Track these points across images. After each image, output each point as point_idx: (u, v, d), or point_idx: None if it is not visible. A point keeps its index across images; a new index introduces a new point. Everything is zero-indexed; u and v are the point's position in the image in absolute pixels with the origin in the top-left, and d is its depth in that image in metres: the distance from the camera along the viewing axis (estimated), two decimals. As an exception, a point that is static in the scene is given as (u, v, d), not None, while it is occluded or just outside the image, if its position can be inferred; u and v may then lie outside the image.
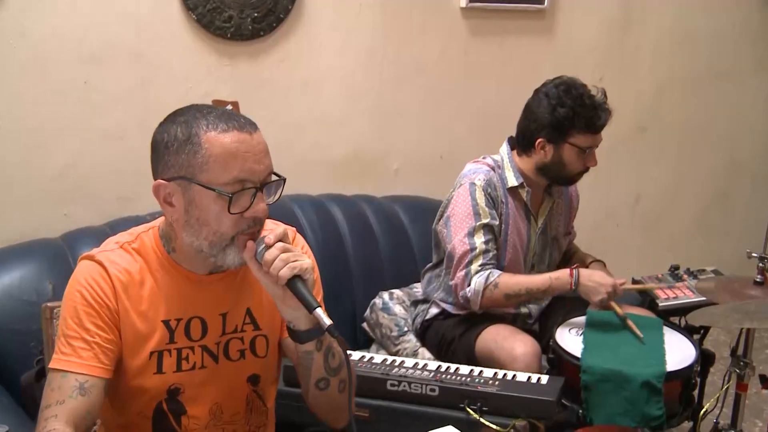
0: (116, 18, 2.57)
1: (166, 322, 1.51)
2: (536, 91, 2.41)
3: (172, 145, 1.41)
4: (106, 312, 1.47)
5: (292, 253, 1.42)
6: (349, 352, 2.19)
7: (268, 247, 1.41)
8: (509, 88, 3.27)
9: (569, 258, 2.67)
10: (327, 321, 1.37)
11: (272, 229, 1.45)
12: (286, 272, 1.40)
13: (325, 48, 2.98)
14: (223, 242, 1.43)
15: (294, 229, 1.68)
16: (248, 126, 1.41)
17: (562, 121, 2.32)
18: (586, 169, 2.43)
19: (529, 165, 2.44)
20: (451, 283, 2.40)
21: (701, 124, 3.88)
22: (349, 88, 3.07)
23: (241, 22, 2.73)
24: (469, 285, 2.34)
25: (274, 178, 1.45)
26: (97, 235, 2.47)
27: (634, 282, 2.72)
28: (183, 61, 2.71)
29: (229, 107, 2.60)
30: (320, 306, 1.39)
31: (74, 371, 1.43)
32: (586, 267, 2.56)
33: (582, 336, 2.27)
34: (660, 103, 3.76)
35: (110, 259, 1.50)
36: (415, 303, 2.67)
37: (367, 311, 2.77)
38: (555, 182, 2.47)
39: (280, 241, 1.43)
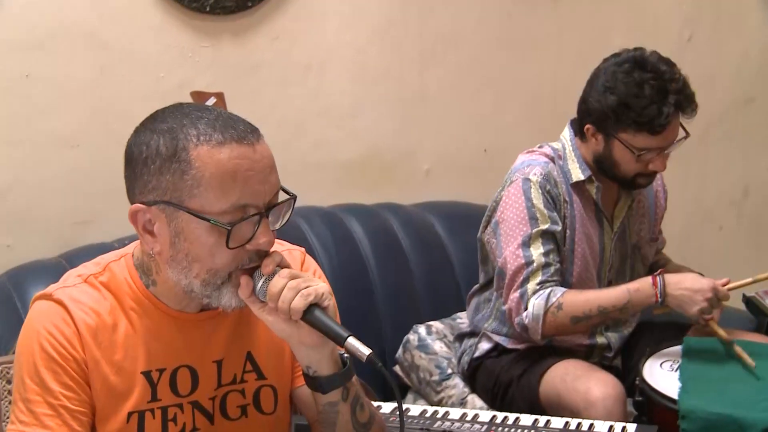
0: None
1: (146, 374, 1.53)
2: (604, 61, 2.42)
3: (154, 162, 1.42)
4: (73, 366, 1.49)
5: (302, 279, 1.45)
6: (379, 404, 2.24)
7: (269, 277, 1.44)
8: (569, 61, 3.28)
9: (657, 270, 2.67)
10: (365, 350, 1.40)
11: (270, 254, 1.48)
12: (299, 303, 1.42)
13: (330, 20, 3.02)
14: (219, 280, 1.46)
15: (302, 249, 1.72)
16: (250, 135, 1.43)
17: (608, 112, 2.33)
18: (653, 173, 2.42)
19: (587, 153, 2.46)
20: (504, 307, 2.42)
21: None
22: (361, 70, 3.11)
23: (222, -8, 2.79)
24: (526, 309, 2.35)
25: (282, 196, 1.48)
26: (51, 270, 2.51)
27: (746, 300, 2.72)
28: (151, 43, 2.76)
29: (212, 100, 2.67)
30: (352, 334, 1.42)
31: None
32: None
33: (678, 371, 2.27)
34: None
35: (73, 298, 1.51)
36: (461, 337, 2.69)
37: (400, 351, 2.79)
38: (614, 181, 2.46)
39: (279, 266, 1.46)
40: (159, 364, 1.54)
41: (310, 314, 1.44)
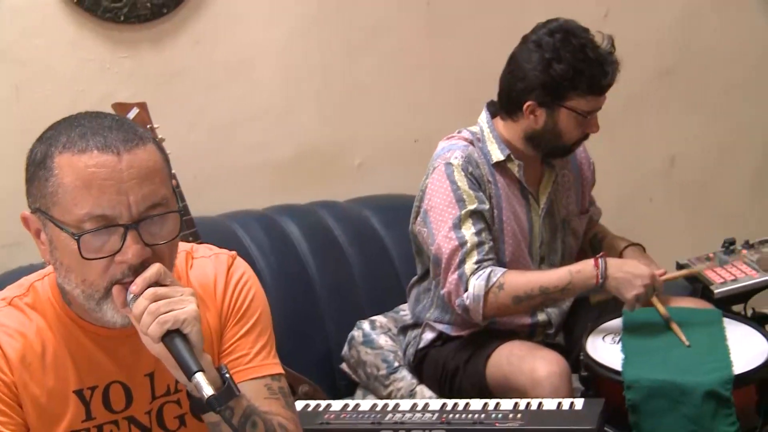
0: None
1: (78, 393, 1.51)
2: (525, 39, 2.43)
3: (30, 169, 1.44)
4: (3, 390, 1.46)
5: (165, 301, 1.39)
6: (328, 402, 2.22)
7: (136, 297, 1.40)
8: (492, 44, 3.23)
9: (597, 243, 2.69)
10: (207, 391, 1.35)
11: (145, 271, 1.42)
12: (155, 330, 1.38)
13: (251, 19, 2.99)
14: (96, 294, 1.43)
15: (232, 253, 1.68)
16: (120, 144, 1.39)
17: (559, 81, 2.34)
18: (586, 137, 2.47)
19: (516, 132, 2.46)
20: (443, 291, 2.41)
21: (749, 56, 3.86)
22: (287, 67, 3.08)
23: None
24: (466, 290, 2.35)
25: (164, 209, 1.43)
26: (-17, 296, 2.45)
27: (679, 267, 2.74)
28: (67, 58, 2.70)
29: (135, 111, 2.61)
30: (202, 370, 1.36)
31: None
32: (619, 255, 2.58)
33: (620, 343, 2.29)
34: (689, 34, 3.75)
35: None
36: (404, 329, 2.68)
37: (345, 348, 2.78)
38: (548, 154, 2.50)
39: (156, 284, 1.40)
40: (90, 382, 1.52)
41: (167, 342, 1.39)
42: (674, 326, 2.31)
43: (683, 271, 2.50)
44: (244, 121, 3.03)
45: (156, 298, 1.39)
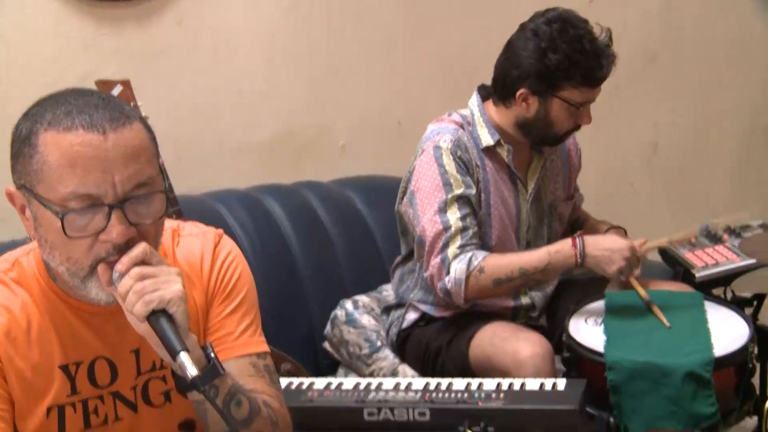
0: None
1: (64, 368, 1.51)
2: (523, 26, 2.43)
3: (15, 145, 1.43)
4: None
5: (150, 281, 1.39)
6: (311, 380, 2.22)
7: (122, 276, 1.40)
8: (477, 29, 3.28)
9: (579, 227, 2.70)
10: (192, 371, 1.36)
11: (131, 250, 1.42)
12: (140, 309, 1.38)
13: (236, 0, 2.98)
14: (81, 272, 1.43)
15: (219, 231, 1.68)
16: (106, 122, 1.39)
17: (554, 70, 2.35)
18: (577, 127, 2.48)
19: (507, 119, 2.47)
20: (426, 274, 2.42)
21: (731, 43, 3.90)
22: (271, 48, 3.07)
23: (119, -24, 2.73)
24: (447, 273, 2.36)
25: (154, 188, 1.43)
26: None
27: (661, 252, 2.76)
28: (48, 36, 2.68)
29: (118, 88, 2.59)
30: (186, 350, 1.37)
31: None
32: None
33: (602, 325, 2.31)
34: (672, 21, 3.79)
35: None
36: (387, 309, 2.69)
37: (328, 327, 2.78)
38: (538, 142, 2.51)
39: (142, 263, 1.40)
40: (75, 357, 1.52)
41: (152, 321, 1.40)
42: (655, 309, 2.33)
43: (662, 240, 2.50)
44: (228, 100, 3.02)
45: (142, 278, 1.39)
